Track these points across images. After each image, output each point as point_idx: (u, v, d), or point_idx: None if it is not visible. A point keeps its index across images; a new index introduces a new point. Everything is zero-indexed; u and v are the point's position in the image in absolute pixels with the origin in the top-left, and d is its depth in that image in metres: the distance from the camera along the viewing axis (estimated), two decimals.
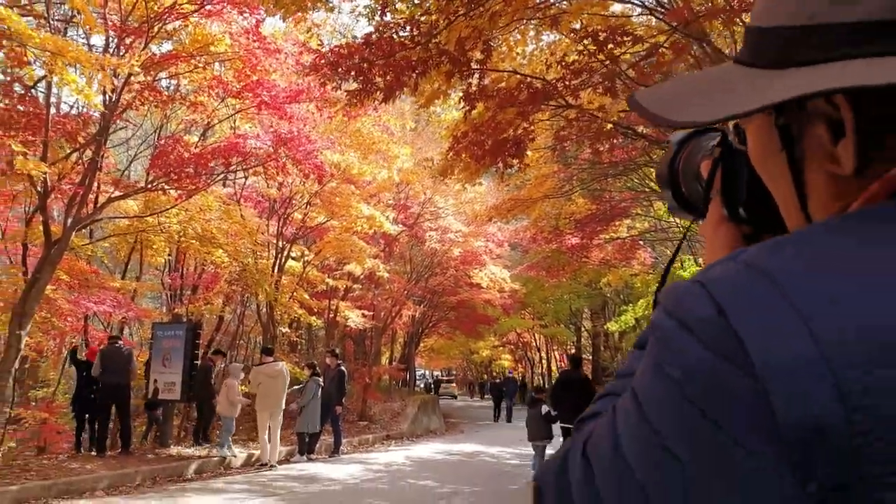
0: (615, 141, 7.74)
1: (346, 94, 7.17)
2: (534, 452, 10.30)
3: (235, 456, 11.25)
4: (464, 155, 8.08)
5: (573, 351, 46.02)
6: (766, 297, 0.49)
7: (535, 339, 49.60)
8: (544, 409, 10.06)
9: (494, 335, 42.26)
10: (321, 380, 12.71)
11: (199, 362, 11.82)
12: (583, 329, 41.95)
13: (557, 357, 51.64)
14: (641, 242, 21.61)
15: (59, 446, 10.75)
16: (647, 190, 16.43)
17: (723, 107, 0.58)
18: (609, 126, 7.63)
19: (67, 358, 12.40)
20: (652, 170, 15.51)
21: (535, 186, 14.02)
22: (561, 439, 9.81)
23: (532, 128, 7.89)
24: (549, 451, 10.04)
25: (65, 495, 8.24)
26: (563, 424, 9.53)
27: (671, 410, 0.51)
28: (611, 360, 37.22)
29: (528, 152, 8.52)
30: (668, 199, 0.84)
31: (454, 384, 57.73)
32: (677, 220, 18.94)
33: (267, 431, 11.48)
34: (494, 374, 59.09)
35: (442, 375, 62.00)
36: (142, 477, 9.46)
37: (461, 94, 7.28)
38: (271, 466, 11.23)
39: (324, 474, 10.76)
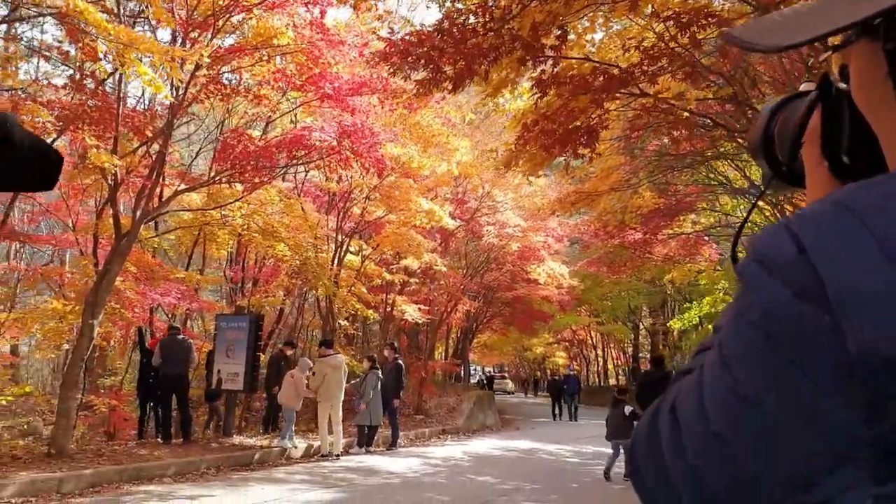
0: (693, 130, 7.41)
1: (414, 83, 7.06)
2: (612, 451, 10.14)
3: (296, 447, 11.33)
4: (532, 144, 7.87)
5: (631, 349, 45.52)
6: (848, 233, 0.48)
7: (590, 337, 49.01)
8: (627, 409, 10.06)
9: (549, 332, 41.86)
10: (380, 373, 12.74)
11: (262, 354, 11.94)
12: (641, 327, 41.25)
13: (614, 355, 50.99)
14: (706, 238, 21.04)
15: (126, 433, 11.00)
16: (714, 184, 15.94)
17: (813, 28, 0.55)
18: (686, 114, 7.32)
19: (136, 336, 12.67)
20: (720, 163, 15.06)
21: (601, 179, 13.70)
22: None
23: (606, 116, 7.65)
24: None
25: (135, 480, 8.40)
26: None
27: (754, 356, 0.50)
28: (670, 359, 36.41)
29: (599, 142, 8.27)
30: (762, 168, 0.79)
31: (508, 380, 57.52)
32: (744, 214, 18.31)
33: (327, 422, 11.57)
34: (549, 371, 58.66)
35: (494, 372, 61.78)
36: (206, 465, 9.59)
37: (532, 82, 7.07)
38: (336, 457, 11.35)
39: (383, 467, 10.73)
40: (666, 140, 13.00)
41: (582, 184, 14.88)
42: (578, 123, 7.34)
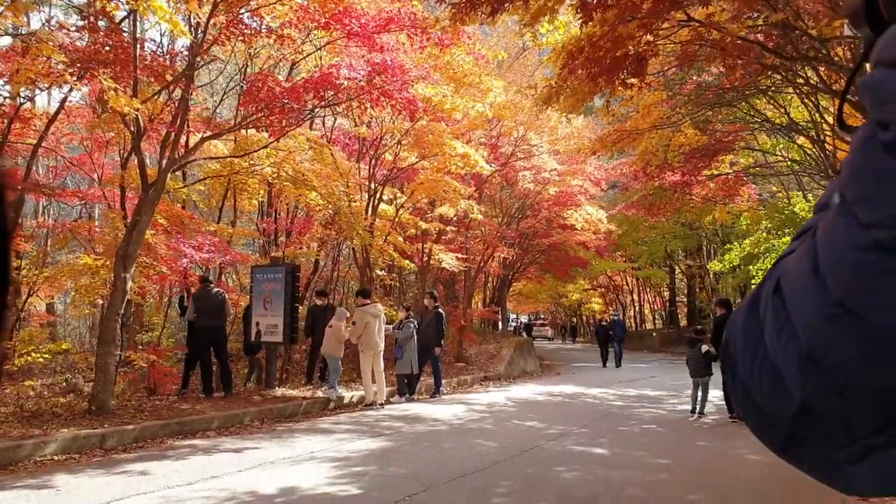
0: (750, 55, 6.77)
1: (449, 6, 6.52)
2: (692, 387, 11.09)
3: (342, 397, 11.22)
4: (577, 75, 7.30)
5: (666, 293, 45.01)
6: None
7: (626, 282, 48.53)
8: (703, 348, 10.94)
9: (584, 278, 41.49)
10: (416, 322, 12.58)
11: (300, 305, 11.80)
12: (677, 271, 40.65)
13: (650, 299, 50.52)
14: (745, 178, 20.34)
15: (167, 388, 10.94)
16: (754, 122, 15.27)
17: None
18: (739, 41, 6.68)
19: (175, 304, 12.59)
20: (759, 100, 14.36)
21: (643, 117, 13.09)
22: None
23: (656, 41, 7.04)
24: (710, 387, 11.02)
25: (178, 435, 8.32)
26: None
27: (890, 184, 0.45)
28: (707, 301, 35.93)
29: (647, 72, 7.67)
30: (863, 34, 0.60)
31: (547, 327, 57.70)
32: (785, 154, 17.63)
33: (370, 373, 11.51)
34: (587, 317, 58.43)
35: (531, 319, 61.77)
36: (250, 417, 9.49)
37: (575, 7, 6.47)
38: (380, 405, 11.33)
39: (427, 414, 10.61)
40: (713, 70, 12.37)
41: (622, 123, 14.25)
42: (626, 51, 6.75)
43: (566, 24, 8.47)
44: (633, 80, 7.33)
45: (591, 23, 6.40)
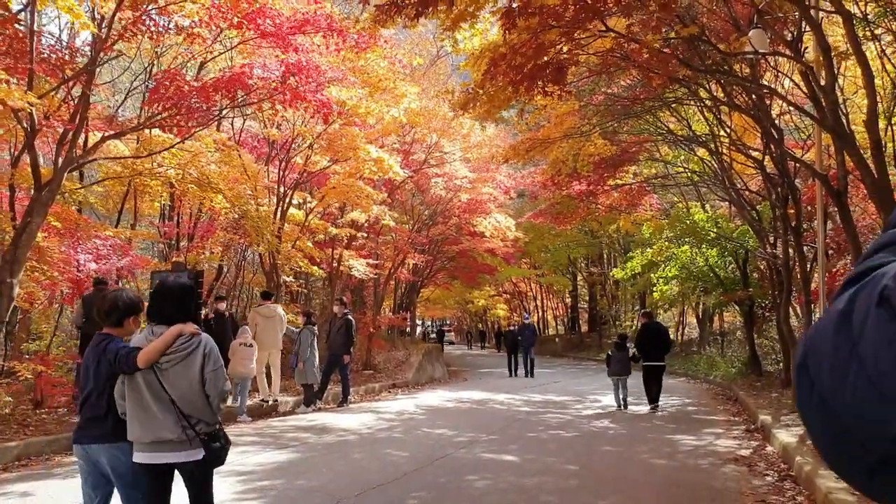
0: (667, 65, 7.00)
1: (374, 8, 6.41)
2: (613, 385, 12.85)
3: (250, 419, 10.74)
4: (498, 80, 7.35)
5: (569, 299, 46.19)
6: None
7: (531, 288, 49.51)
8: (631, 351, 12.90)
9: (491, 285, 42.05)
10: (315, 328, 12.41)
11: (205, 310, 11.32)
12: (578, 278, 41.79)
13: (553, 305, 51.71)
14: (647, 188, 21.16)
15: (56, 400, 10.27)
16: (659, 133, 15.89)
17: None
18: (657, 47, 6.89)
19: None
20: (664, 113, 15.00)
21: (555, 126, 13.37)
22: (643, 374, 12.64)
23: (577, 50, 7.17)
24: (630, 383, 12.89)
25: (68, 451, 7.77)
26: (647, 363, 12.51)
27: None
28: (608, 308, 37.14)
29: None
30: None
31: (452, 332, 58.34)
32: (685, 165, 18.47)
33: (263, 371, 11.56)
34: (492, 322, 59.23)
35: (437, 326, 62.12)
36: None
37: (502, 10, 6.49)
38: (275, 401, 11.42)
39: (336, 424, 10.40)
40: (622, 83, 12.78)
41: (534, 132, 14.52)
42: (548, 59, 6.85)
43: (483, 31, 8.53)
44: (553, 88, 7.44)
45: (513, 30, 6.45)
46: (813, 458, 6.90)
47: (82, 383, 3.73)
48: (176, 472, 3.70)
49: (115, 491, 3.72)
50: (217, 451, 3.61)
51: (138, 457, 3.54)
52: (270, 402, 11.54)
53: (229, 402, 10.75)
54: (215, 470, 3.77)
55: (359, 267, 17.21)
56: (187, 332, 3.58)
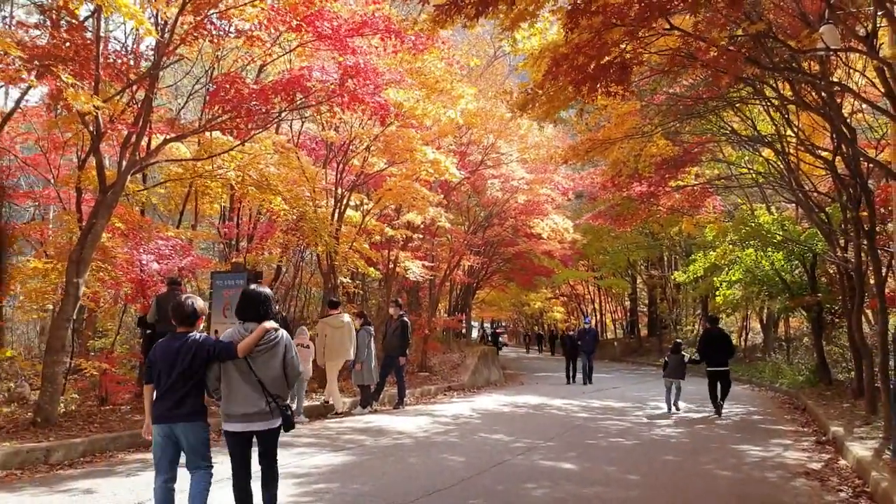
0: (734, 63, 6.69)
1: (433, 8, 6.32)
2: (666, 388, 13.27)
3: (307, 420, 10.82)
4: (560, 80, 7.17)
5: (627, 303, 45.41)
6: None
7: (588, 291, 48.83)
8: (686, 356, 13.32)
9: (547, 287, 41.63)
10: (372, 329, 12.42)
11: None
12: (638, 281, 41.06)
13: (611, 309, 50.92)
14: (710, 190, 20.59)
15: (120, 397, 10.51)
16: (722, 134, 15.44)
17: None
18: (727, 49, 6.61)
19: (136, 318, 12.11)
20: (728, 112, 14.55)
21: (616, 126, 13.09)
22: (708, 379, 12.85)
23: (641, 49, 6.94)
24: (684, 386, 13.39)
25: (130, 448, 7.95)
26: (710, 368, 12.68)
27: None
28: (668, 312, 36.35)
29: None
30: None
31: (505, 335, 57.97)
32: (749, 166, 17.88)
33: (336, 382, 11.54)
34: (548, 325, 58.69)
35: (494, 328, 61.86)
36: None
37: (562, 9, 6.31)
38: (336, 413, 11.42)
39: (391, 427, 10.37)
40: (684, 83, 12.42)
41: (594, 132, 14.25)
42: (612, 58, 6.64)
43: (542, 30, 8.37)
44: (617, 88, 7.22)
45: (576, 29, 6.28)
46: (890, 474, 6.52)
47: (161, 374, 4.43)
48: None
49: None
50: (289, 418, 4.59)
51: (230, 426, 4.48)
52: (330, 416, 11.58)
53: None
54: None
55: (414, 269, 17.19)
56: (271, 328, 4.58)
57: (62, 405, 9.02)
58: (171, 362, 4.41)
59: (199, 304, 4.69)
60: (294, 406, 10.77)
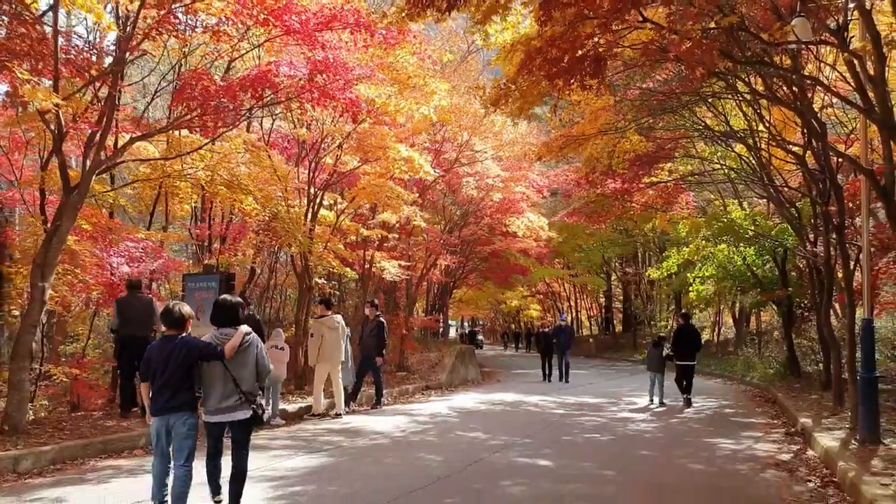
0: (711, 55, 6.66)
1: (404, 1, 6.22)
2: (650, 381, 13.99)
3: (283, 422, 10.66)
4: (533, 74, 7.10)
5: (603, 300, 45.67)
6: None
7: (564, 289, 49.06)
8: (665, 351, 13.95)
9: (523, 285, 41.74)
10: (348, 330, 12.32)
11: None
12: (613, 277, 41.31)
13: (587, 305, 51.19)
14: (683, 186, 20.71)
15: (92, 402, 10.28)
16: (696, 129, 15.51)
17: None
18: (698, 37, 6.58)
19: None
20: (700, 108, 14.60)
21: (590, 122, 13.06)
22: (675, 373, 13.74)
23: (615, 42, 6.89)
24: (666, 381, 13.92)
25: (102, 454, 7.75)
26: (679, 362, 13.58)
27: None
28: (643, 308, 36.59)
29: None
30: None
31: (481, 335, 58.01)
32: (722, 162, 17.99)
33: (323, 384, 11.55)
34: (524, 323, 58.83)
35: (470, 326, 61.91)
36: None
37: (535, 1, 6.23)
38: (337, 415, 11.32)
39: (368, 427, 10.28)
40: (657, 77, 12.44)
41: (568, 128, 14.24)
42: (586, 51, 6.58)
43: (515, 24, 8.32)
44: (592, 82, 7.18)
45: (549, 22, 6.21)
46: (857, 464, 6.59)
47: (156, 372, 5.00)
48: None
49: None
50: (257, 411, 5.20)
51: (209, 418, 5.16)
52: (333, 414, 11.52)
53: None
54: (248, 475, 5.36)
55: (391, 269, 17.08)
56: (244, 332, 5.20)
57: (31, 412, 8.79)
58: (165, 361, 4.98)
59: (186, 309, 5.23)
60: (267, 405, 10.64)
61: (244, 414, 5.13)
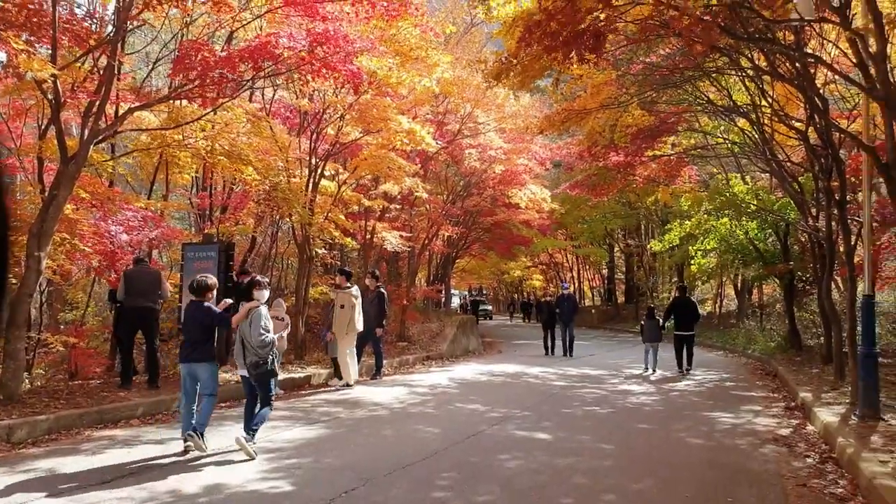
0: (711, 31, 6.56)
1: None
2: (645, 351, 14.64)
3: (282, 392, 10.72)
4: (534, 47, 7.01)
5: (605, 271, 45.64)
6: None
7: (566, 260, 49.04)
8: (660, 321, 14.60)
9: (526, 256, 41.74)
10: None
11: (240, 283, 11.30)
12: (616, 249, 41.30)
13: (589, 276, 51.21)
14: (686, 159, 20.61)
15: (90, 370, 10.33)
16: (699, 104, 15.38)
17: None
18: (702, 18, 6.48)
19: (106, 292, 11.86)
20: (703, 83, 14.45)
21: (592, 96, 12.93)
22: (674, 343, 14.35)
23: (615, 16, 6.80)
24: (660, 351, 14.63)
25: (98, 424, 7.81)
26: (677, 332, 14.21)
27: None
28: (645, 280, 36.60)
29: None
30: None
31: (489, 305, 57.78)
32: (725, 136, 17.87)
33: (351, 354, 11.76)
34: (527, 293, 58.93)
35: (474, 295, 61.95)
36: (178, 404, 8.99)
37: None
38: (346, 385, 11.62)
39: (367, 398, 10.33)
40: (660, 52, 12.30)
41: (570, 102, 14.11)
42: (585, 25, 6.49)
43: None
44: (591, 56, 7.09)
45: None
46: (856, 440, 6.62)
47: (187, 328, 6.78)
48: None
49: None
50: (272, 362, 6.69)
51: (241, 372, 6.89)
52: (341, 384, 11.68)
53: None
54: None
55: (392, 239, 17.07)
56: (252, 306, 6.67)
57: (27, 381, 8.85)
58: (189, 321, 6.68)
59: (211, 280, 6.81)
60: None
61: (262, 369, 6.61)
